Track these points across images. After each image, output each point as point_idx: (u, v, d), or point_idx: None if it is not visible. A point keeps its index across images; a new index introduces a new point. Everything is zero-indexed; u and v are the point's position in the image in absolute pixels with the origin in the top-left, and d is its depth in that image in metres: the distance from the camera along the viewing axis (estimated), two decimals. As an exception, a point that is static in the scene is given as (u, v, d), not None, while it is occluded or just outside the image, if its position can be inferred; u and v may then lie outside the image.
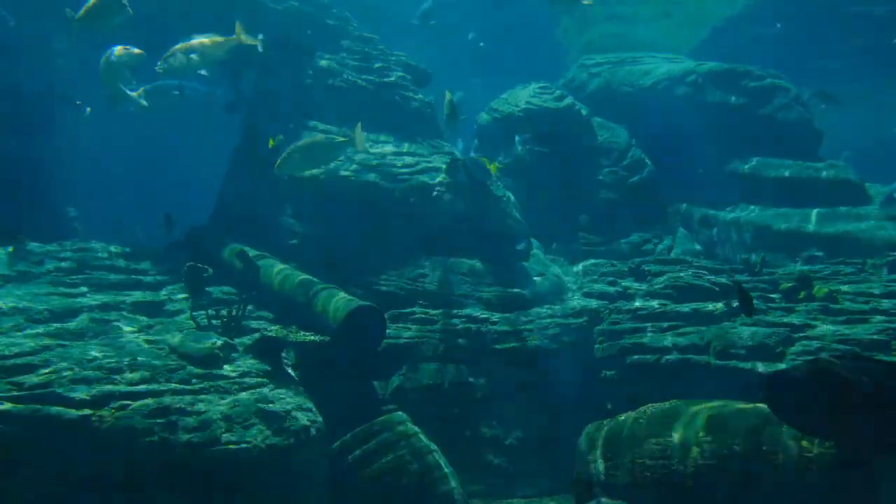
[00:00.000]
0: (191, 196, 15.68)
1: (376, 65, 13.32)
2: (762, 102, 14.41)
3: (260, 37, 10.56)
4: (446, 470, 7.97)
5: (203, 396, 7.04)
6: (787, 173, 13.28)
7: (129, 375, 7.05)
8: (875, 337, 8.28)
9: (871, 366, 4.84)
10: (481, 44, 15.24)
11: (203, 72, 10.57)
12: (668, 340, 8.99)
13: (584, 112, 14.33)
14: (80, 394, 6.59)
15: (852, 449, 5.08)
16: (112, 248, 10.54)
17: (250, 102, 13.46)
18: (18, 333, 7.81)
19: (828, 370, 4.84)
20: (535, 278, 10.90)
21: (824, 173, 13.07)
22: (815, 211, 12.36)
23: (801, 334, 8.60)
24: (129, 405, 6.65)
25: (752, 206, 13.23)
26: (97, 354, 7.44)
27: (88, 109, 13.30)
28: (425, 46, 14.76)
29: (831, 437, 5.04)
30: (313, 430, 7.34)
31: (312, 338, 8.44)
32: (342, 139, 9.64)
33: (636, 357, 8.99)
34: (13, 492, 6.19)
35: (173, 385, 7.10)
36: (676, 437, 5.51)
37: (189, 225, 11.50)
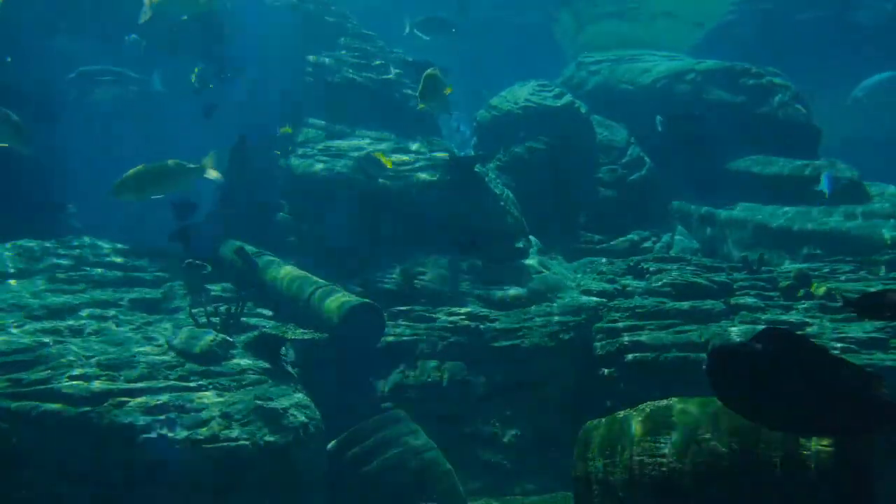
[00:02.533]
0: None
1: (375, 62, 13.31)
2: (761, 100, 14.41)
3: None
4: (445, 467, 7.98)
5: (202, 394, 7.05)
6: (786, 171, 13.27)
7: (127, 372, 7.06)
8: (874, 335, 8.29)
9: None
10: None
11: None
12: (667, 338, 8.99)
13: (583, 110, 14.32)
14: (80, 391, 6.59)
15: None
16: (111, 245, 10.53)
17: (250, 100, 13.44)
18: (17, 330, 7.81)
19: (780, 340, 4.30)
20: (533, 276, 10.90)
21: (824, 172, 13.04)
22: (814, 209, 12.36)
23: (800, 332, 8.60)
24: (127, 402, 6.65)
25: (751, 204, 13.22)
26: (96, 351, 7.45)
27: (9, 59, 13.10)
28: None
29: (786, 425, 4.71)
30: (312, 428, 7.34)
31: (311, 335, 8.45)
32: (191, 166, 8.72)
33: (635, 355, 8.97)
34: (12, 489, 6.19)
35: (172, 382, 7.11)
36: (675, 435, 5.51)
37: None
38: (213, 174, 8.85)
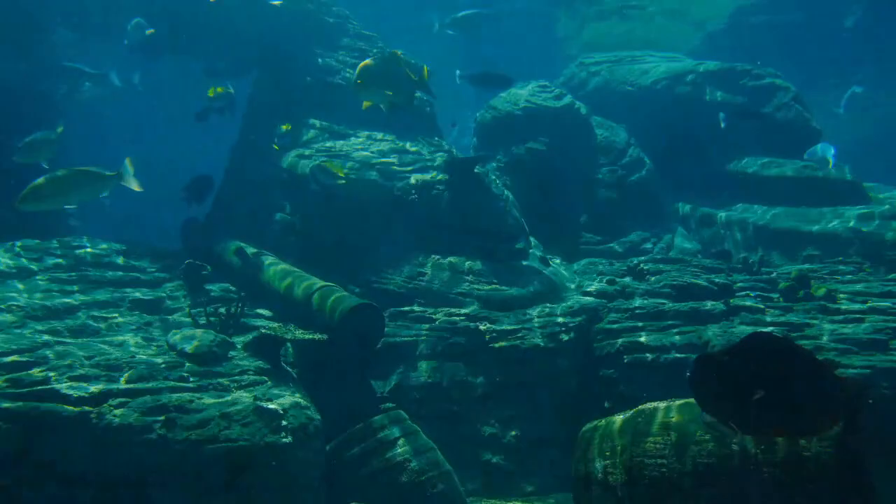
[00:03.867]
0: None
1: (375, 63, 13.32)
2: (761, 101, 14.43)
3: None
4: (445, 468, 7.98)
5: (201, 394, 7.05)
6: (785, 172, 13.29)
7: (127, 373, 7.06)
8: (873, 336, 8.29)
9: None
10: None
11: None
12: (667, 339, 8.99)
13: (583, 111, 14.33)
14: (79, 391, 6.59)
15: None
16: (110, 245, 10.52)
17: (250, 100, 13.46)
18: (17, 331, 7.81)
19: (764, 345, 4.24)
20: (533, 277, 10.89)
21: (822, 173, 13.07)
22: (815, 210, 12.37)
23: (799, 333, 8.61)
24: (127, 402, 6.66)
25: (751, 206, 13.24)
26: (96, 352, 7.45)
27: None
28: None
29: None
30: (311, 428, 7.34)
31: (311, 336, 8.43)
32: (106, 174, 8.08)
33: (634, 356, 8.98)
34: (12, 489, 6.19)
35: (172, 383, 7.11)
36: (674, 435, 5.51)
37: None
38: (130, 181, 8.19)
